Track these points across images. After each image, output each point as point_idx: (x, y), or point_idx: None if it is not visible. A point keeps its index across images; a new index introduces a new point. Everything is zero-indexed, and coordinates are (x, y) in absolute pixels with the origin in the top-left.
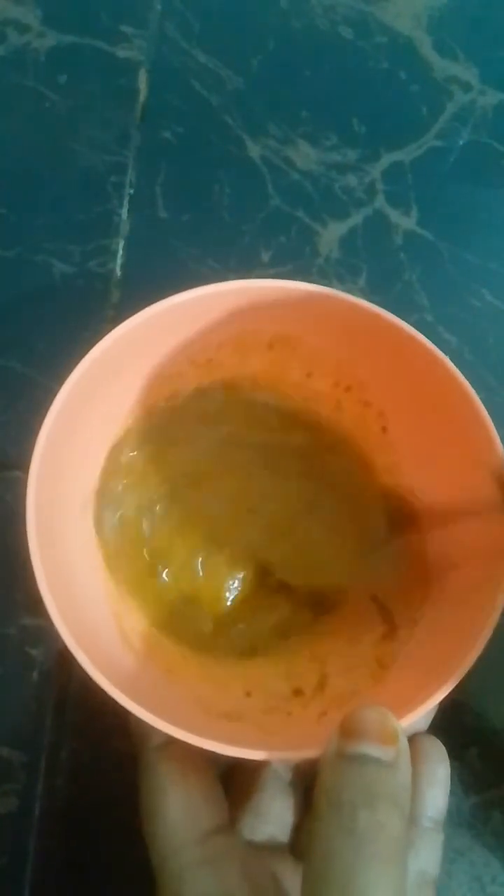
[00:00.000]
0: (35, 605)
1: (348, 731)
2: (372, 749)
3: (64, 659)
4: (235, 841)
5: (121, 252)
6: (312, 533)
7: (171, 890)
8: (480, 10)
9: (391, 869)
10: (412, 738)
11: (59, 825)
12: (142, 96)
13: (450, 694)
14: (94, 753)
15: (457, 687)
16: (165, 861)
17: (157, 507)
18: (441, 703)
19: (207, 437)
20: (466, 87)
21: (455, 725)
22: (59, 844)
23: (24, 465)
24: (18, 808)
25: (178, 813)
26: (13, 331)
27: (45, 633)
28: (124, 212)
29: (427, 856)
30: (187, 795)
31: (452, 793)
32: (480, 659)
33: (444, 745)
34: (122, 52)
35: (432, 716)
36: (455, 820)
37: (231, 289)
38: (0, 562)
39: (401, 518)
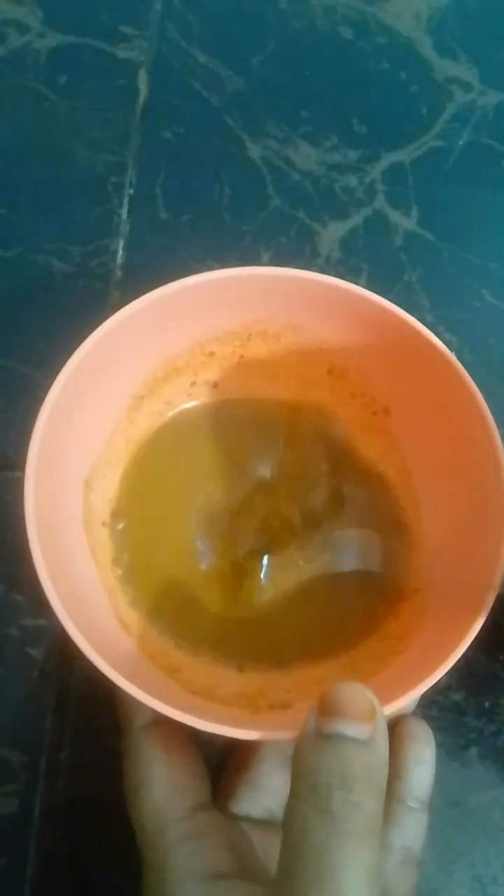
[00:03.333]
0: (35, 605)
1: (325, 708)
2: (348, 728)
3: (64, 659)
4: (221, 817)
5: (121, 252)
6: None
7: (156, 866)
8: (480, 11)
9: (364, 847)
10: (398, 720)
11: (59, 825)
12: (142, 96)
13: (450, 694)
14: (94, 753)
15: (457, 688)
16: (151, 838)
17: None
18: (441, 704)
19: (207, 432)
20: (466, 88)
21: (455, 725)
22: (59, 844)
23: (24, 466)
24: (18, 809)
25: (163, 790)
26: (13, 331)
27: (46, 633)
28: (124, 212)
29: (412, 834)
30: (171, 773)
31: (453, 793)
32: (481, 660)
33: (444, 745)
34: (122, 52)
35: (417, 699)
36: (455, 820)
37: (236, 276)
38: (0, 561)
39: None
